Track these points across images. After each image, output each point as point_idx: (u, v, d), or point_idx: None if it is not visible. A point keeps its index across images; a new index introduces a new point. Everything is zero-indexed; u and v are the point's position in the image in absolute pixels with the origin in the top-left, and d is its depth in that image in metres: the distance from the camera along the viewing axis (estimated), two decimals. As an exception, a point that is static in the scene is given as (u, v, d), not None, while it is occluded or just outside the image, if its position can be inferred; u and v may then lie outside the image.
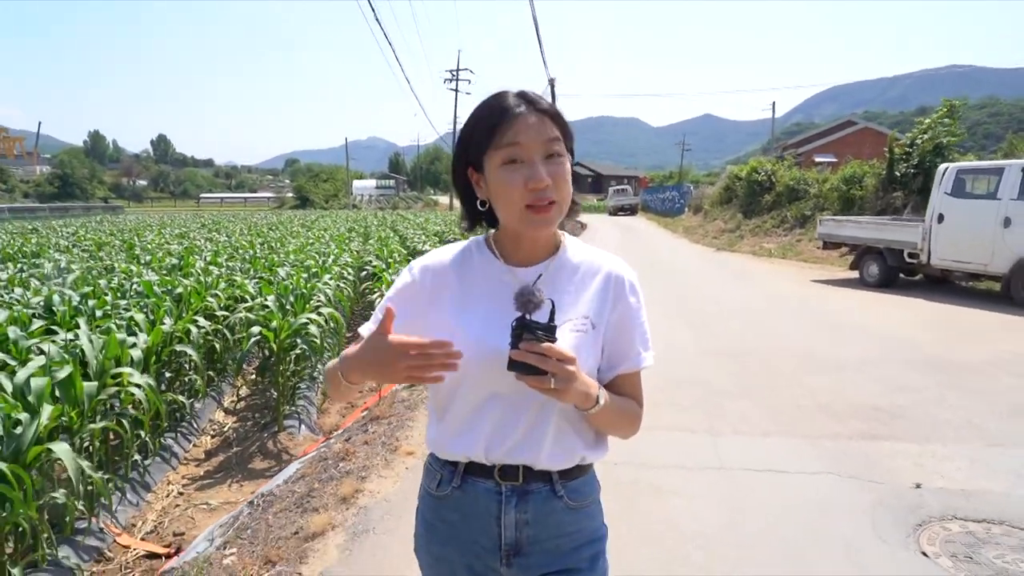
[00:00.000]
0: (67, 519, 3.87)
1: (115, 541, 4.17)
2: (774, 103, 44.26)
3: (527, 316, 1.08)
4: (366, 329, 1.26)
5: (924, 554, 2.80)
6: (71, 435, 3.97)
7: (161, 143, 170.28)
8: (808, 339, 6.97)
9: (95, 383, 4.07)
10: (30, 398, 3.67)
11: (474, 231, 1.34)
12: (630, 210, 41.57)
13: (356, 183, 74.83)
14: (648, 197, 42.94)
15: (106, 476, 4.23)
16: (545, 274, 1.25)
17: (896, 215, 14.02)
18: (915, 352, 6.36)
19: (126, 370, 4.46)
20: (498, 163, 1.18)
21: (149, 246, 14.43)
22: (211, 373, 6.51)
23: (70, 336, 4.69)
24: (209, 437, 6.04)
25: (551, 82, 28.31)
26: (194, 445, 5.77)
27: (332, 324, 6.55)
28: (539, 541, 1.24)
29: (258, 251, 12.44)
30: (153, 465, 4.93)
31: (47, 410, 3.56)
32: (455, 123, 56.73)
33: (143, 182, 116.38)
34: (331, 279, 8.17)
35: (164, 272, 8.65)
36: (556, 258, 1.28)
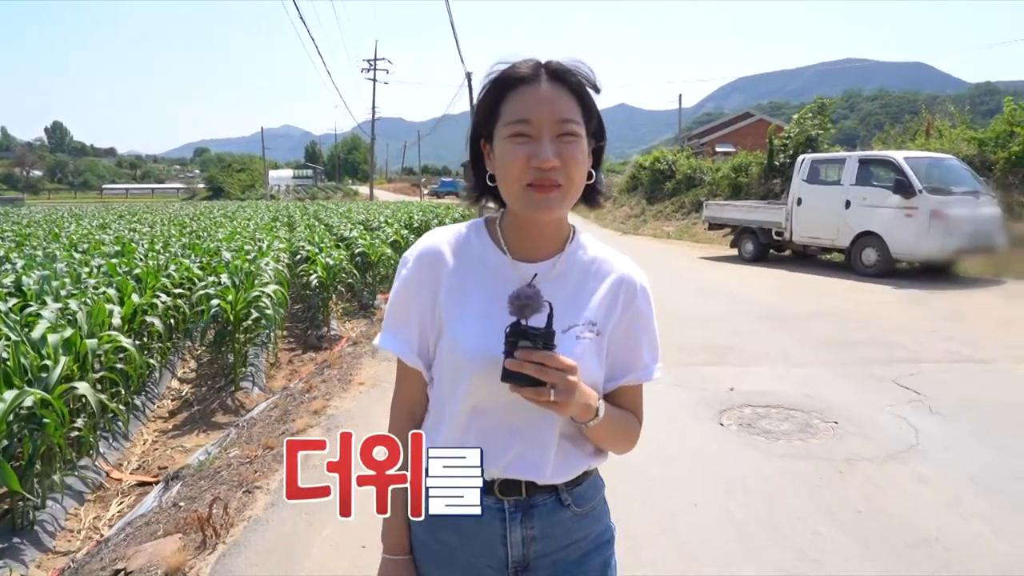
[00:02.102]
0: (74, 452, 4.73)
1: (108, 475, 5.05)
2: (680, 95, 46.75)
3: (523, 321, 0.99)
4: (385, 342, 1.20)
5: (721, 424, 4.16)
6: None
7: (57, 131, 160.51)
8: (683, 302, 8.41)
9: (95, 340, 4.96)
10: (44, 351, 4.54)
11: (479, 204, 1.22)
12: (547, 198, 43.18)
13: (272, 173, 73.55)
14: (564, 185, 44.77)
15: (100, 421, 5.11)
16: (554, 271, 1.15)
17: (775, 199, 15.90)
18: (763, 308, 7.92)
19: (112, 333, 5.33)
20: (505, 135, 1.08)
21: (74, 236, 14.69)
22: (167, 345, 7.34)
23: (59, 306, 5.50)
24: (169, 400, 6.88)
25: (468, 76, 28.98)
26: (157, 406, 6.61)
27: (277, 298, 7.49)
28: (547, 554, 1.17)
29: (191, 239, 13.03)
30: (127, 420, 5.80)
31: (63, 360, 4.45)
32: (374, 112, 56.82)
33: (38, 172, 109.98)
34: (270, 261, 9.06)
35: (108, 258, 9.28)
36: (565, 254, 1.17)
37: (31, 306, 5.88)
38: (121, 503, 4.69)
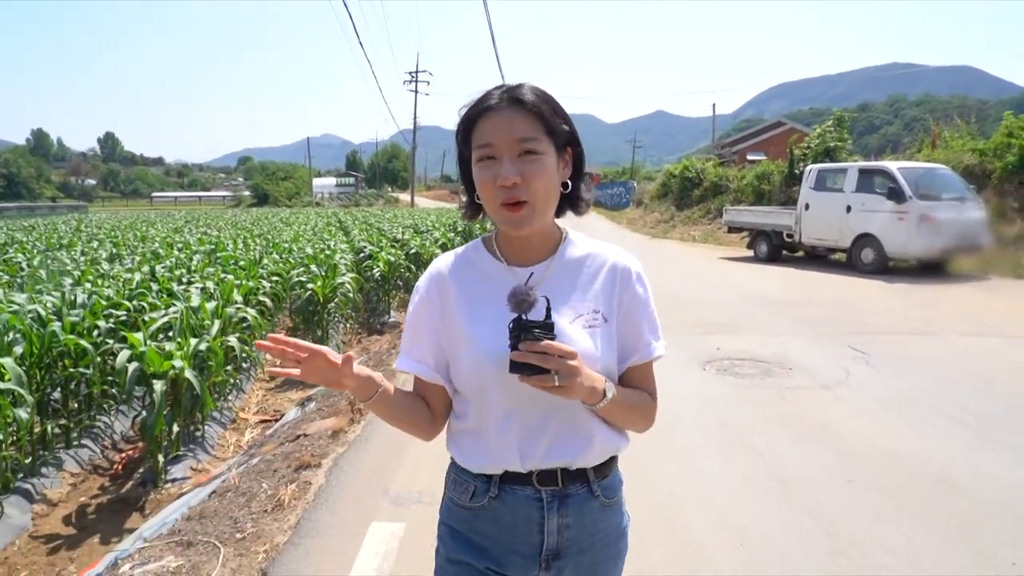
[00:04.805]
0: (218, 392, 6.29)
1: (237, 415, 6.63)
2: (714, 104, 47.65)
3: (523, 316, 1.09)
4: (402, 364, 1.31)
5: (704, 370, 5.56)
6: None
7: (109, 141, 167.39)
8: (695, 291, 9.78)
9: (232, 308, 6.57)
10: (200, 315, 6.14)
11: (475, 220, 1.34)
12: (583, 205, 44.54)
13: (316, 181, 76.16)
14: (599, 193, 46.12)
15: (240, 367, 6.70)
16: (549, 271, 1.25)
17: (794, 205, 17.08)
18: (763, 296, 9.25)
19: (239, 305, 6.95)
20: (476, 160, 1.19)
21: (157, 238, 16.63)
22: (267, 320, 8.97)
23: (200, 286, 7.15)
24: (268, 367, 8.46)
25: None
26: (260, 372, 8.21)
27: (353, 285, 9.09)
28: (577, 542, 1.27)
29: (263, 241, 14.80)
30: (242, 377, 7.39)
31: (216, 322, 6.04)
32: (415, 122, 59.02)
33: (92, 181, 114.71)
34: (341, 257, 10.69)
35: (208, 254, 11.03)
36: (558, 255, 1.27)
37: (172, 286, 7.55)
38: (253, 432, 6.25)
